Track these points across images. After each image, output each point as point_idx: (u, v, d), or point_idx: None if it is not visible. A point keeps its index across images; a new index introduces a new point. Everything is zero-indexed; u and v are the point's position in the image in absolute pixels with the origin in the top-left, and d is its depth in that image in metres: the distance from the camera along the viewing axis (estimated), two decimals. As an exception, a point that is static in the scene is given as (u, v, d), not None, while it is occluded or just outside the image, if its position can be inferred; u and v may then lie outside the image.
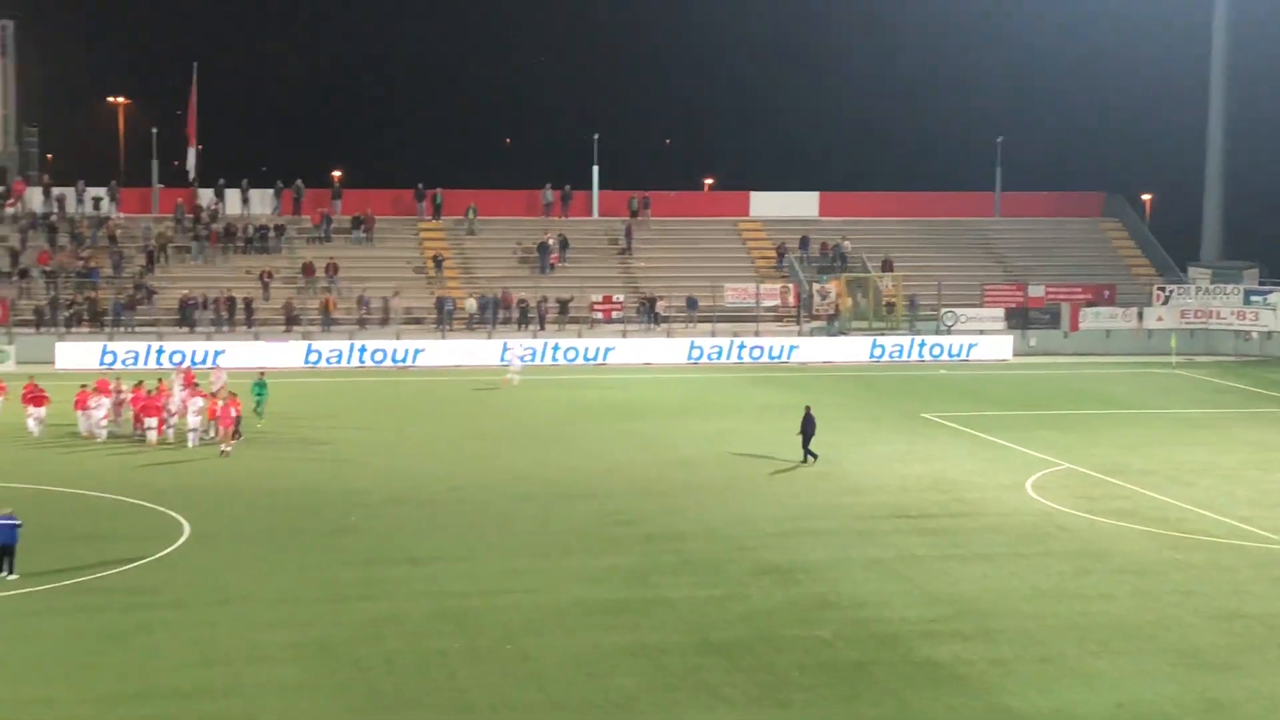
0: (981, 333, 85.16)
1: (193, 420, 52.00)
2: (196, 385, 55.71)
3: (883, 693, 28.67)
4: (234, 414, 51.36)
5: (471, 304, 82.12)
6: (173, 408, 53.10)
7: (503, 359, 75.46)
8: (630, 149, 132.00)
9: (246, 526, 41.27)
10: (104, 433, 53.24)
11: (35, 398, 53.79)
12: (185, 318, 79.06)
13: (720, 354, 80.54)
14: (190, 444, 51.74)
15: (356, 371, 75.71)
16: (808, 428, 51.29)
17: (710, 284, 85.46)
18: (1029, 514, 44.12)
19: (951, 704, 28.13)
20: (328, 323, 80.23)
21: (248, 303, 79.81)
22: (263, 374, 58.87)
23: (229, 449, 50.58)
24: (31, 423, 53.62)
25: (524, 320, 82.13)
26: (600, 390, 69.14)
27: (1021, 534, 41.57)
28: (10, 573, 35.10)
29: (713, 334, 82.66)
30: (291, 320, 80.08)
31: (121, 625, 32.02)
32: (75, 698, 27.62)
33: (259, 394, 57.33)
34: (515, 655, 30.37)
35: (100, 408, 53.38)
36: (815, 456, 51.03)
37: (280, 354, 76.22)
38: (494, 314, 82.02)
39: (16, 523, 35.37)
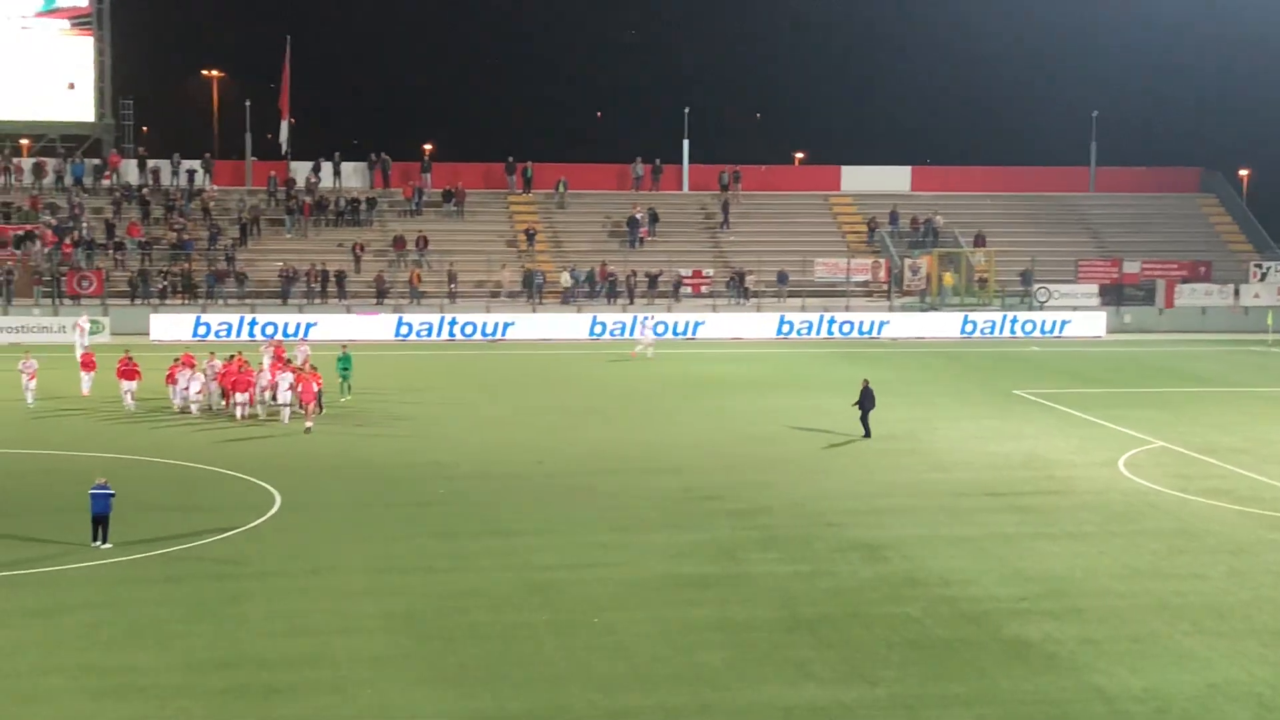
0: (1075, 309, 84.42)
1: (284, 396, 51.98)
2: (287, 361, 55.66)
3: (971, 671, 28.48)
4: (315, 389, 51.60)
5: (566, 278, 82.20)
6: (263, 383, 53.10)
7: (633, 333, 75.52)
8: (721, 123, 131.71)
9: (336, 498, 41.56)
10: (196, 406, 53.41)
11: (127, 371, 54.12)
12: (278, 290, 79.70)
13: (810, 329, 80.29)
14: (284, 420, 51.73)
15: (446, 345, 76.06)
16: (866, 402, 50.96)
17: (800, 259, 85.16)
18: (1121, 492, 43.67)
19: (1041, 683, 27.90)
20: (416, 295, 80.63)
21: (339, 276, 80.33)
22: (345, 348, 58.90)
23: (311, 424, 50.64)
24: (126, 396, 54.00)
25: (613, 294, 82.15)
26: (688, 364, 69.06)
27: (1113, 512, 41.15)
28: (104, 542, 35.54)
29: (802, 309, 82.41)
30: (382, 293, 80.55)
31: (212, 594, 32.32)
32: (166, 665, 27.91)
33: (344, 369, 57.25)
34: (601, 628, 30.39)
35: (193, 380, 53.39)
36: (868, 434, 50.75)
37: (371, 327, 76.75)
38: (592, 287, 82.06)
39: (110, 492, 35.81)
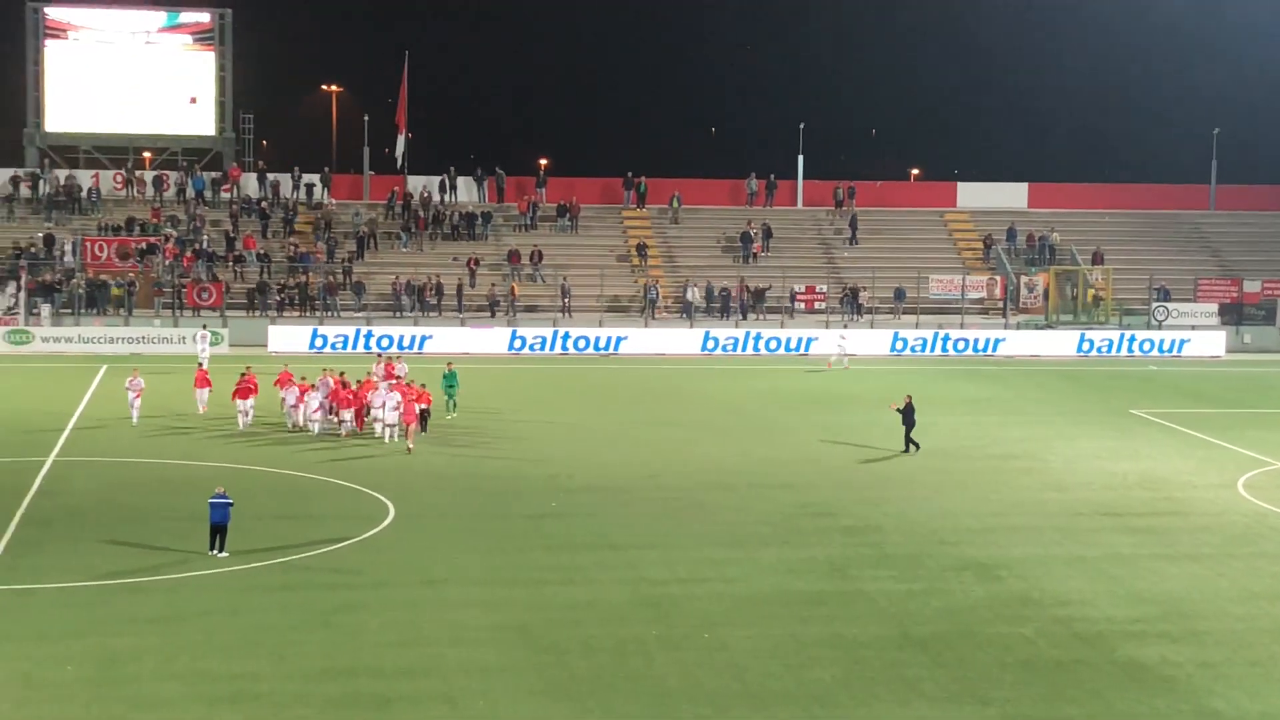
0: (1194, 328, 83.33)
1: (390, 416, 50.78)
2: (398, 378, 54.71)
3: (1085, 693, 28.21)
4: (420, 408, 51.18)
5: (695, 293, 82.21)
6: (376, 401, 51.77)
7: (806, 347, 75.87)
8: (836, 138, 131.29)
9: (449, 510, 41.86)
10: (316, 425, 52.28)
11: (243, 389, 53.00)
12: (394, 303, 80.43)
13: (924, 346, 79.85)
14: (386, 439, 50.69)
15: (559, 359, 76.38)
16: (909, 418, 50.68)
17: (915, 275, 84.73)
18: (1240, 514, 43.08)
19: (1156, 706, 27.59)
20: (514, 308, 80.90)
21: (456, 289, 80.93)
22: (450, 366, 57.93)
23: (412, 445, 49.68)
24: (240, 416, 52.98)
25: (725, 310, 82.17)
26: (800, 381, 68.91)
27: (1232, 534, 40.61)
28: (222, 550, 36.03)
29: (916, 325, 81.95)
30: (494, 306, 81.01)
31: (326, 604, 32.67)
32: (281, 673, 28.26)
33: (449, 387, 56.54)
34: (712, 644, 30.41)
35: (311, 397, 52.43)
36: (916, 448, 50.63)
37: (485, 341, 77.22)
38: (721, 304, 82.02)
39: (229, 501, 36.31)
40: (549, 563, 36.46)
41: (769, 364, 75.30)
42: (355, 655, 29.39)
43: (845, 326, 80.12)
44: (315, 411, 52.20)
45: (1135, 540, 39.75)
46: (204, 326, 72.81)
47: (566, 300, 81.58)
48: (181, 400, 56.42)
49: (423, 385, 53.18)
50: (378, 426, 51.35)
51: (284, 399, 53.56)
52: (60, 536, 38.07)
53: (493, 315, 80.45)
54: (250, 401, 53.10)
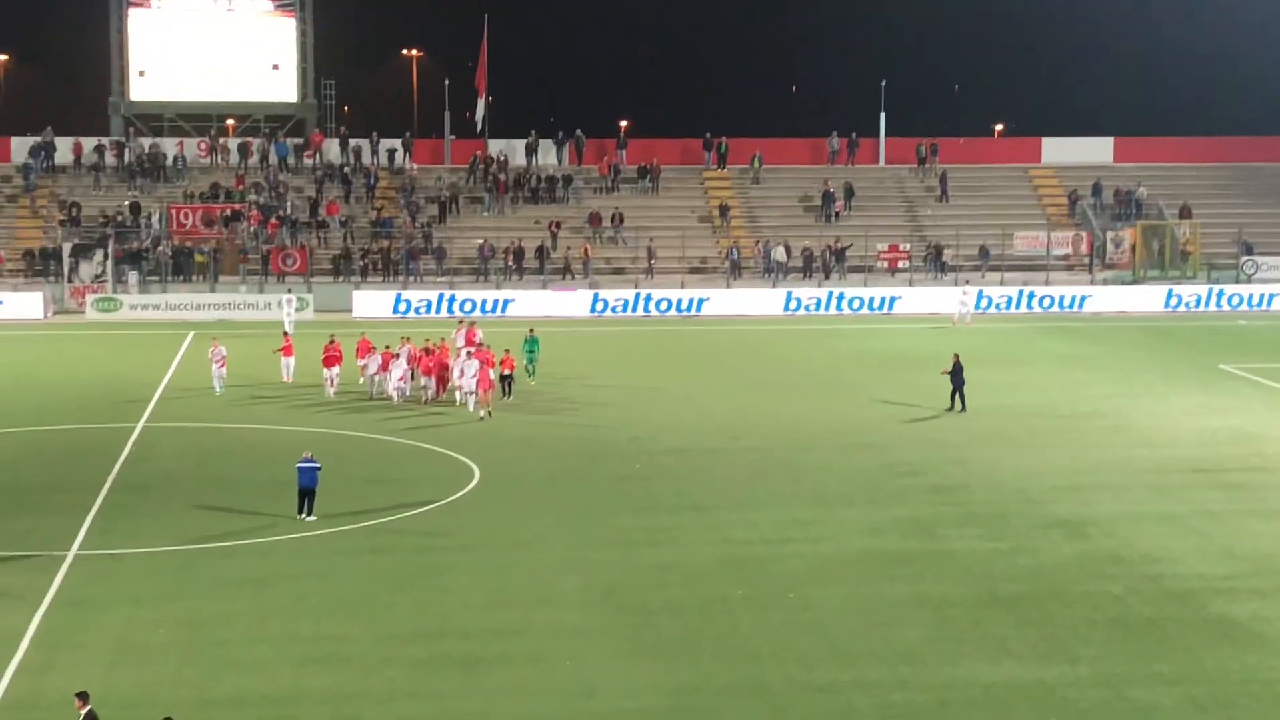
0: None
1: (469, 383, 50.42)
2: (480, 345, 54.37)
3: (1175, 650, 28.04)
4: (496, 374, 50.97)
5: (781, 252, 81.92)
6: (455, 369, 51.54)
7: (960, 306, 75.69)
8: (918, 95, 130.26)
9: (535, 473, 42.04)
10: (398, 394, 51.92)
11: (330, 357, 53.05)
12: (477, 268, 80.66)
13: (1009, 303, 79.27)
14: (469, 407, 50.26)
15: (641, 321, 76.41)
16: (957, 376, 50.41)
17: (999, 232, 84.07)
18: (1333, 470, 42.61)
19: (1247, 662, 27.39)
20: (585, 269, 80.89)
21: (538, 252, 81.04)
22: (532, 331, 57.59)
23: (484, 413, 49.17)
24: (327, 384, 53.11)
25: (807, 270, 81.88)
26: (885, 340, 68.66)
27: (1325, 491, 40.18)
28: (310, 514, 36.36)
29: (1001, 283, 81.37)
30: (568, 271, 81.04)
31: (414, 566, 32.94)
32: (370, 635, 28.53)
33: (530, 352, 56.00)
34: (798, 604, 30.44)
35: (395, 367, 52.06)
36: (964, 407, 50.34)
37: (567, 303, 77.34)
38: (803, 264, 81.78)
39: (316, 465, 36.62)
40: (634, 525, 36.58)
41: (852, 323, 75.04)
42: (443, 617, 29.62)
43: (967, 282, 79.52)
44: (401, 379, 52.05)
45: (1225, 496, 39.40)
46: (289, 291, 73.31)
47: (652, 262, 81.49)
48: (268, 369, 56.72)
49: (505, 350, 53.25)
50: (458, 394, 51.27)
51: (364, 367, 53.61)
52: (151, 502, 38.56)
53: (564, 278, 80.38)
54: (337, 369, 53.19)
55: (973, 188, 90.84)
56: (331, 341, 53.91)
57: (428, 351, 53.00)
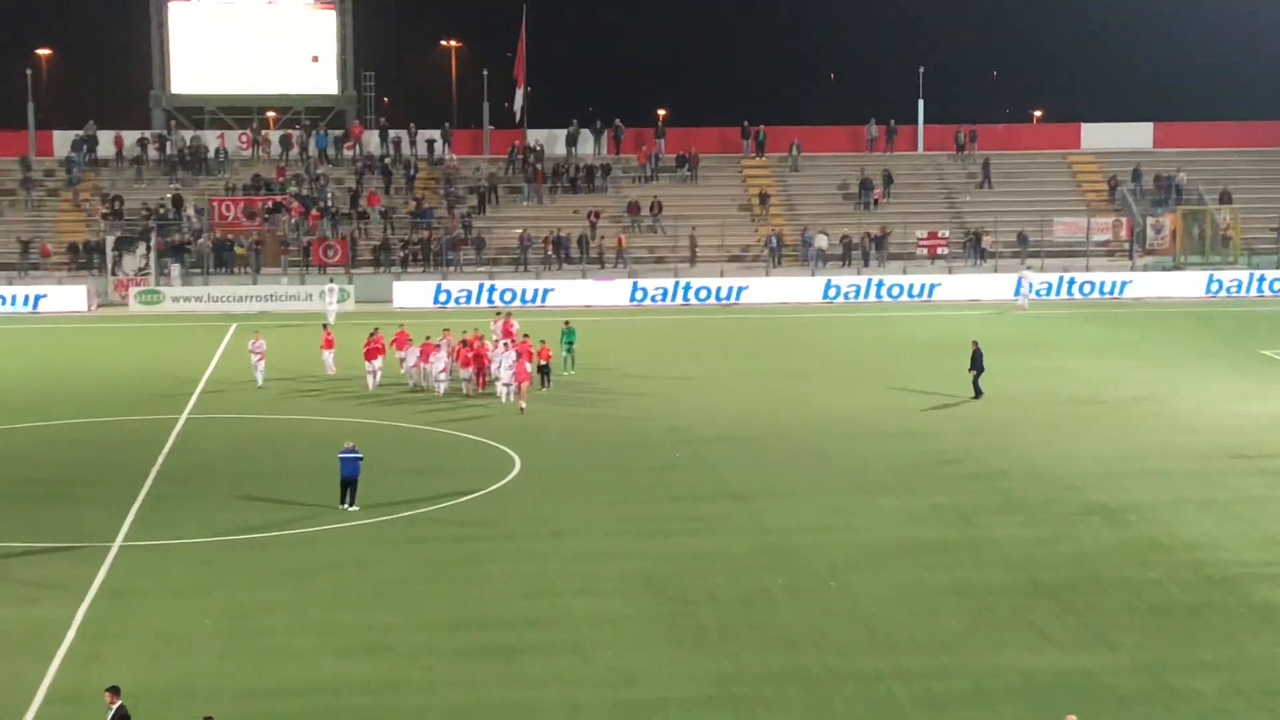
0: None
1: (506, 374, 50.11)
2: (517, 337, 54.24)
3: (1218, 636, 27.87)
4: (534, 366, 50.81)
5: (824, 240, 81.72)
6: (494, 361, 51.18)
7: (1016, 293, 75.45)
8: (957, 82, 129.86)
9: (575, 462, 42.06)
10: (442, 385, 51.69)
11: (372, 350, 52.72)
12: (517, 258, 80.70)
13: (1049, 290, 78.92)
14: (504, 399, 50.01)
15: (681, 310, 76.33)
16: (976, 364, 50.30)
17: (1039, 219, 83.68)
18: (1376, 455, 42.29)
19: (1291, 650, 27.21)
20: (620, 259, 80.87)
21: (579, 241, 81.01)
22: (569, 323, 57.01)
23: (524, 404, 48.75)
24: (369, 377, 52.78)
25: (846, 258, 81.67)
26: (925, 328, 68.44)
27: (1368, 476, 39.88)
28: (352, 504, 36.44)
29: (1041, 269, 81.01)
30: (605, 259, 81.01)
31: (455, 556, 33.00)
32: (412, 624, 28.59)
33: (568, 342, 55.95)
34: (838, 592, 30.39)
35: (435, 359, 51.92)
36: (979, 395, 50.16)
37: (607, 293, 77.35)
38: (843, 251, 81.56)
39: (358, 456, 36.68)
40: (674, 513, 36.57)
41: (891, 311, 74.84)
42: (483, 606, 29.66)
43: (1025, 266, 79.13)
44: (442, 371, 51.81)
45: (1267, 482, 39.14)
46: (330, 281, 73.47)
47: (695, 250, 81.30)
48: (309, 360, 56.82)
49: (542, 341, 53.24)
50: (497, 386, 51.03)
51: (403, 359, 53.55)
52: (194, 493, 38.71)
53: (602, 267, 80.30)
54: (379, 362, 52.81)
55: (1012, 174, 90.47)
56: (374, 334, 53.57)
57: (465, 343, 52.79)
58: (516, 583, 31.08)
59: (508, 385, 50.21)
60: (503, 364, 50.64)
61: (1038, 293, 78.18)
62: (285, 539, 34.45)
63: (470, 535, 34.73)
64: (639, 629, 28.37)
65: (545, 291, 76.93)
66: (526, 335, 54.25)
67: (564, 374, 54.78)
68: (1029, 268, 78.06)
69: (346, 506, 36.44)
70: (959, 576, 31.30)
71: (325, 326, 58.95)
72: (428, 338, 53.52)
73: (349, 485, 36.60)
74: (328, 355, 55.84)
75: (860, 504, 37.22)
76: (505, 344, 52.56)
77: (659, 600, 29.91)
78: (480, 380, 52.07)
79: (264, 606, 29.69)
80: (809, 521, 35.67)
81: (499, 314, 60.31)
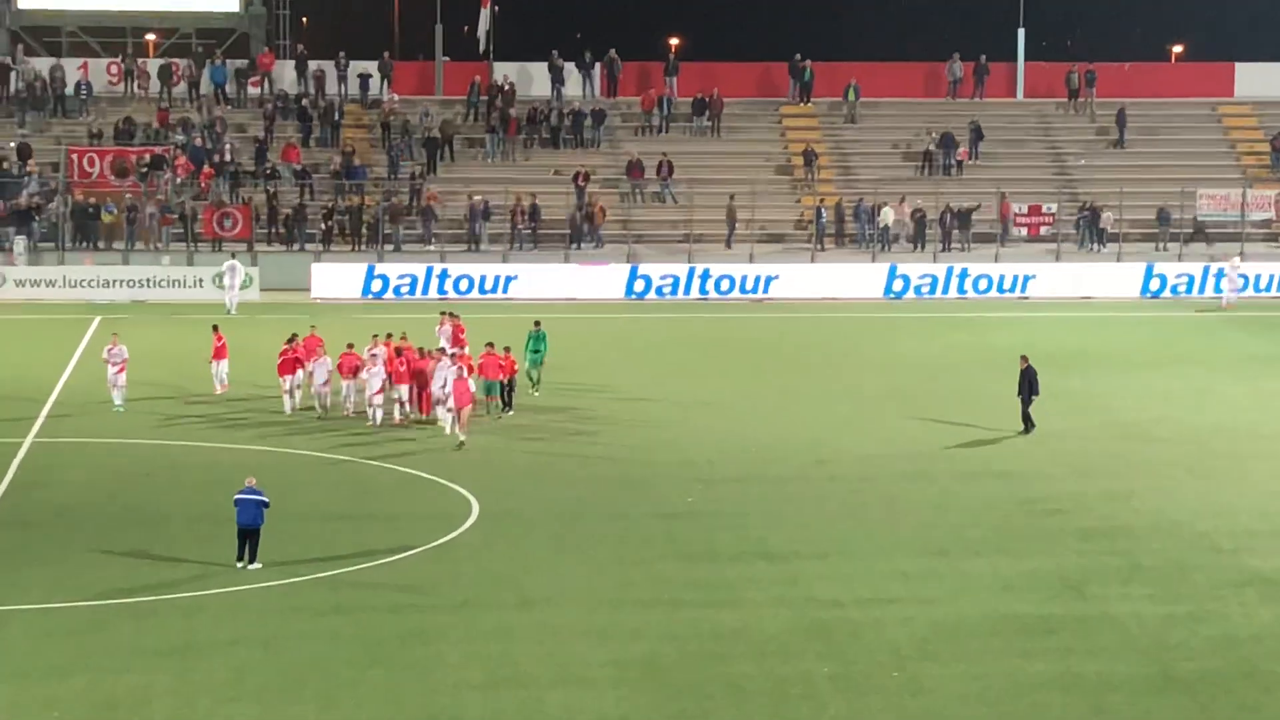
0: None
1: (440, 392, 49.53)
2: (507, 349, 52.88)
3: None
4: (479, 383, 50.45)
5: (887, 214, 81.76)
6: (437, 378, 49.83)
7: (1218, 288, 76.13)
8: (1069, 7, 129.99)
9: (553, 508, 42.06)
10: (378, 412, 50.63)
11: (288, 361, 51.85)
12: (474, 233, 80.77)
13: (1189, 285, 79.06)
14: (447, 429, 49.22)
15: (694, 305, 76.40)
16: (1026, 387, 50.08)
17: (1176, 190, 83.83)
18: None
19: None
20: (596, 237, 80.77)
21: (601, 212, 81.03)
22: (539, 325, 55.74)
23: (465, 438, 48.14)
24: (285, 398, 51.89)
25: (918, 239, 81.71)
26: (1021, 333, 68.50)
27: None
28: (253, 561, 36.43)
29: (1179, 257, 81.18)
30: (612, 237, 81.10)
31: (392, 631, 32.99)
32: (333, 723, 28.65)
33: (535, 352, 55.07)
34: (904, 686, 30.42)
35: (318, 366, 51.43)
36: (1031, 427, 50.02)
37: (596, 282, 77.36)
38: (914, 230, 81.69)
39: (263, 499, 36.54)
40: (684, 577, 36.58)
41: (977, 310, 74.94)
42: (429, 699, 29.67)
43: (1240, 256, 79.21)
44: (377, 394, 50.68)
45: None
46: (232, 257, 73.48)
47: (733, 224, 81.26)
48: (197, 368, 55.98)
49: (506, 349, 52.45)
50: (438, 410, 50.01)
51: (310, 373, 52.14)
52: (43, 542, 38.70)
53: (599, 246, 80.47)
54: (299, 376, 52.17)
55: (1141, 130, 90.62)
56: (292, 341, 52.70)
57: (398, 352, 51.81)
58: (473, 668, 31.08)
59: (449, 409, 49.36)
60: (448, 381, 49.49)
61: (1174, 289, 78.32)
62: (166, 605, 34.42)
63: (411, 604, 34.73)
64: (637, 732, 28.43)
65: (510, 280, 76.82)
66: (490, 345, 52.99)
67: (529, 393, 54.09)
68: (1240, 255, 78.02)
69: (246, 564, 36.44)
70: (1065, 666, 31.34)
71: (216, 328, 56.23)
72: (349, 345, 52.31)
73: (249, 536, 36.51)
74: (218, 367, 54.67)
75: (935, 568, 37.25)
76: (453, 354, 51.85)
77: (664, 694, 29.93)
78: (424, 405, 51.02)
79: (139, 695, 29.65)
80: (865, 591, 35.70)
81: (446, 314, 58.73)
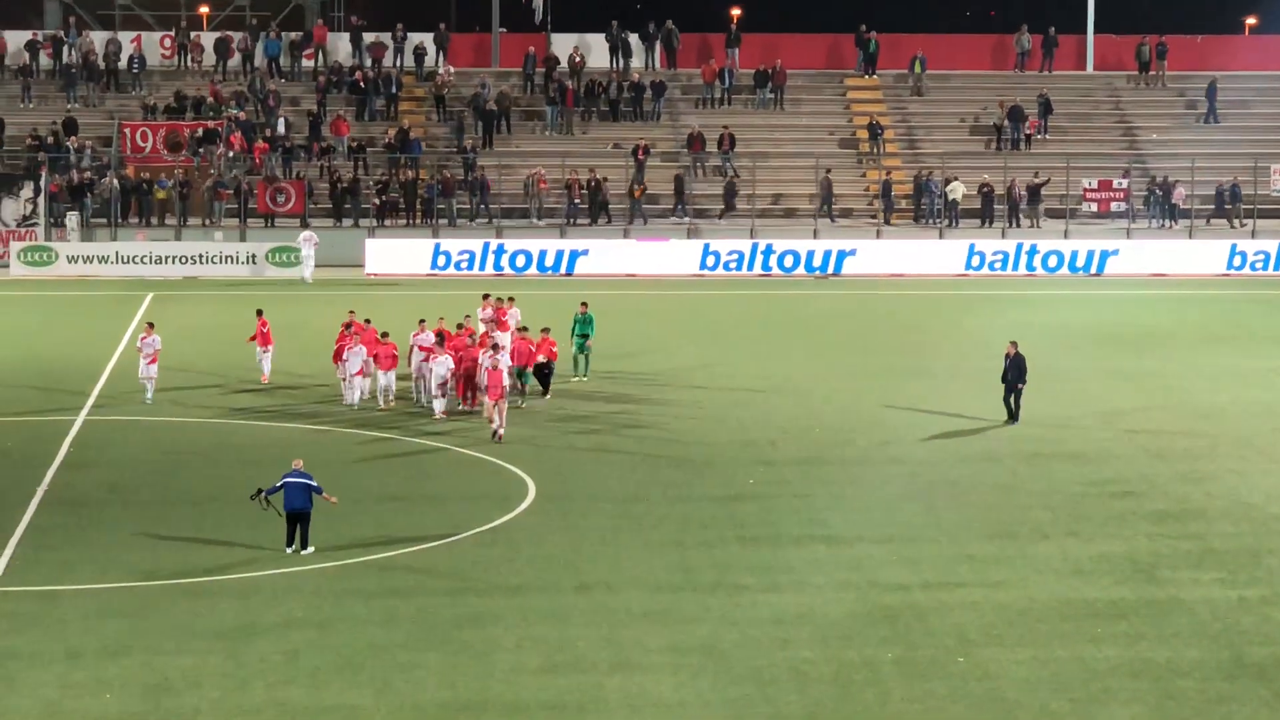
0: None
1: (435, 382, 48.43)
2: (521, 330, 52.38)
3: None
4: (540, 362, 50.25)
5: (955, 189, 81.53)
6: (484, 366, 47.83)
7: None
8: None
9: (610, 488, 42.11)
10: (439, 404, 49.05)
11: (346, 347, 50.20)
12: (534, 209, 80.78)
13: (1266, 262, 78.61)
14: (495, 425, 46.46)
15: (759, 282, 76.28)
16: (1013, 374, 48.82)
17: (1250, 164, 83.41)
18: None
19: None
20: (639, 211, 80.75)
21: (625, 188, 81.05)
22: (586, 307, 54.47)
23: (503, 429, 46.24)
24: (352, 390, 50.14)
25: (987, 215, 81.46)
26: (1093, 311, 68.26)
27: None
28: (304, 547, 36.41)
29: (1253, 234, 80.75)
30: (673, 211, 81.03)
31: (447, 615, 33.00)
32: (387, 707, 28.62)
33: (581, 336, 53.91)
34: (970, 672, 30.32)
35: (353, 353, 49.81)
36: (1016, 417, 48.68)
37: (659, 257, 77.31)
38: (982, 206, 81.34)
39: (312, 483, 36.41)
40: (746, 561, 36.54)
41: (1047, 288, 74.65)
42: (484, 684, 29.68)
43: None
44: (439, 387, 48.83)
45: None
46: (307, 226, 74.04)
47: (829, 196, 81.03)
48: (248, 347, 54.59)
49: (544, 331, 51.52)
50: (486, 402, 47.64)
51: (345, 362, 50.26)
52: (93, 523, 38.88)
53: (669, 223, 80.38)
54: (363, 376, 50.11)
55: (1217, 103, 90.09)
56: (350, 324, 51.20)
57: (442, 338, 50.01)
58: (529, 652, 31.09)
59: (438, 396, 48.46)
60: (436, 370, 48.40)
61: (1252, 265, 77.86)
62: (220, 587, 34.52)
63: (466, 587, 34.76)
64: (696, 718, 28.38)
65: (574, 255, 76.83)
66: (523, 329, 51.95)
67: (574, 379, 53.36)
68: None
69: (296, 550, 36.39)
70: (1136, 652, 31.22)
71: (260, 313, 54.17)
72: (384, 335, 50.62)
73: (298, 521, 36.34)
74: (262, 354, 53.29)
75: (1002, 552, 37.15)
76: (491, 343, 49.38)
77: (724, 679, 29.89)
78: (470, 397, 49.41)
79: (189, 677, 29.72)
80: (931, 575, 35.61)
81: (488, 299, 55.46)
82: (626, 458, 45.08)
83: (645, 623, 32.62)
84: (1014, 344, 49.59)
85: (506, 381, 47.45)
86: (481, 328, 52.42)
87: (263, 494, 36.44)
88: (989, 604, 33.80)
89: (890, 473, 43.79)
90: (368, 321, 51.72)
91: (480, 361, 48.39)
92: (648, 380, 54.38)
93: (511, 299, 55.33)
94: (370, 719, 28.17)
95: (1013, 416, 49.08)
